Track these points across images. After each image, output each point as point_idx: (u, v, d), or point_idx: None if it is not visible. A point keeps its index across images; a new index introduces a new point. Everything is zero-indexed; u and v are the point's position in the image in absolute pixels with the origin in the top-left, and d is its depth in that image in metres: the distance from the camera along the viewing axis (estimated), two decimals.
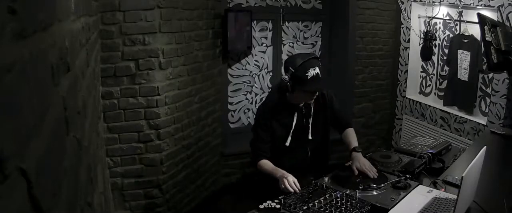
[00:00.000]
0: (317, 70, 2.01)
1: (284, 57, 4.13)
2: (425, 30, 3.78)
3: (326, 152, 2.38)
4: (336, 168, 2.18)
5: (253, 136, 2.23)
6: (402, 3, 4.08)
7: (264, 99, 2.44)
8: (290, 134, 2.17)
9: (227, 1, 3.67)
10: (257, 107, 4.02)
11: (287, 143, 2.17)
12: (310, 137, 2.22)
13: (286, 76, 2.03)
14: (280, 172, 2.00)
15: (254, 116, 4.03)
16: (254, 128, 2.23)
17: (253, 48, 3.92)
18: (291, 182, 1.91)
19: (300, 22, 4.13)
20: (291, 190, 1.88)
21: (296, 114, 2.17)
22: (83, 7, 1.41)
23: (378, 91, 4.30)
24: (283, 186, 1.91)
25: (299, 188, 1.90)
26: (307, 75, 1.99)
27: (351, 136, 2.30)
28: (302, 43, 4.18)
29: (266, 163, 2.11)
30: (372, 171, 2.06)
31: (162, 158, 2.94)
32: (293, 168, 2.12)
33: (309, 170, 2.23)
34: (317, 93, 2.12)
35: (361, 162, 2.11)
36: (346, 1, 3.96)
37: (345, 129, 2.35)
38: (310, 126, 2.21)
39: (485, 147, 1.73)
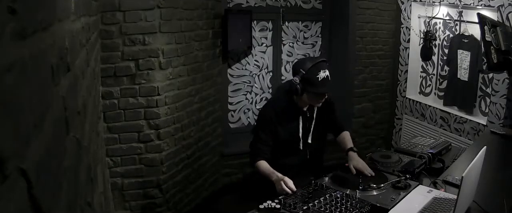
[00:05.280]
0: (327, 73, 2.04)
1: (284, 57, 4.13)
2: (425, 30, 3.78)
3: (322, 154, 2.41)
4: (336, 168, 2.19)
5: (253, 137, 2.23)
6: (402, 3, 4.08)
7: (266, 101, 2.44)
8: (300, 137, 2.18)
9: (227, 1, 3.67)
10: (259, 109, 4.03)
11: (301, 147, 2.19)
12: (309, 141, 2.24)
13: (296, 78, 2.03)
14: (276, 175, 1.99)
15: (256, 117, 4.06)
16: (256, 129, 2.23)
17: (253, 48, 3.92)
18: (287, 183, 1.91)
19: (300, 22, 4.13)
20: (290, 191, 1.89)
21: (301, 118, 2.17)
22: (83, 7, 1.41)
23: (378, 91, 4.30)
24: (280, 188, 1.92)
25: (295, 189, 1.90)
26: (318, 77, 2.01)
27: (347, 139, 2.35)
28: (302, 43, 4.18)
29: (264, 165, 2.11)
30: (367, 170, 2.09)
31: (162, 158, 2.94)
32: (291, 169, 2.14)
33: (306, 171, 2.24)
34: (326, 96, 2.13)
35: (358, 162, 2.14)
36: (346, 1, 3.96)
37: (340, 132, 2.39)
38: (311, 130, 2.23)
39: (485, 147, 1.73)
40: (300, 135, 2.19)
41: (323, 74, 2.02)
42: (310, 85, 2.03)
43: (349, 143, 2.30)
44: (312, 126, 2.23)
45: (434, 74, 4.05)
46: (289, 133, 2.18)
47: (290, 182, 1.91)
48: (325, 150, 2.44)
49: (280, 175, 1.98)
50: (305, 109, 2.19)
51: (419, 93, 4.25)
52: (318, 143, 2.30)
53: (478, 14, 2.78)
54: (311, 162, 2.30)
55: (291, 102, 2.16)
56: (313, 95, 2.07)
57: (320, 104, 2.15)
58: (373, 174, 2.07)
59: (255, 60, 4.02)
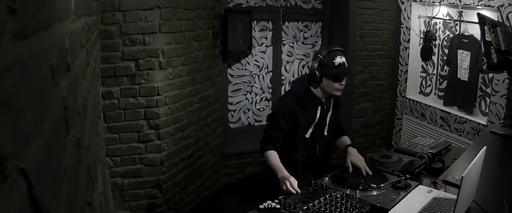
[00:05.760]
0: (344, 59, 2.11)
1: (284, 57, 4.13)
2: (425, 30, 3.78)
3: (330, 151, 2.41)
4: (336, 168, 2.19)
5: (269, 123, 2.23)
6: (402, 3, 4.08)
7: (287, 91, 2.44)
8: (312, 127, 2.18)
9: (227, 1, 3.67)
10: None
11: (307, 135, 2.19)
12: (325, 133, 2.25)
13: (315, 63, 2.10)
14: (282, 173, 1.99)
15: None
16: (274, 115, 2.20)
17: (253, 48, 3.92)
18: (293, 184, 1.91)
19: (300, 22, 4.13)
20: (294, 192, 1.89)
21: (319, 108, 2.19)
22: (83, 7, 1.41)
23: (378, 91, 4.30)
24: (284, 188, 1.92)
25: (299, 190, 1.90)
26: (335, 62, 2.07)
27: (346, 138, 2.39)
28: (302, 43, 4.18)
29: (273, 156, 2.09)
30: (365, 168, 2.09)
31: (162, 158, 2.94)
32: (299, 165, 2.15)
33: (313, 170, 2.23)
34: (344, 83, 2.13)
35: (356, 157, 2.15)
36: (346, 1, 3.96)
37: (341, 136, 2.42)
38: (327, 122, 2.24)
39: (485, 147, 1.73)
40: (314, 124, 2.18)
41: (340, 59, 2.08)
42: (327, 68, 2.08)
43: (348, 141, 2.34)
44: (328, 119, 2.24)
45: (434, 74, 4.05)
46: (307, 121, 2.17)
47: (295, 183, 1.92)
48: (332, 150, 2.43)
49: (286, 173, 1.98)
50: (323, 100, 2.20)
51: (419, 93, 4.25)
52: (330, 139, 2.31)
53: (478, 14, 2.79)
54: (319, 161, 2.30)
55: (310, 93, 2.18)
56: (331, 77, 2.09)
57: (340, 92, 2.16)
58: (370, 172, 2.08)
59: (255, 60, 4.02)
